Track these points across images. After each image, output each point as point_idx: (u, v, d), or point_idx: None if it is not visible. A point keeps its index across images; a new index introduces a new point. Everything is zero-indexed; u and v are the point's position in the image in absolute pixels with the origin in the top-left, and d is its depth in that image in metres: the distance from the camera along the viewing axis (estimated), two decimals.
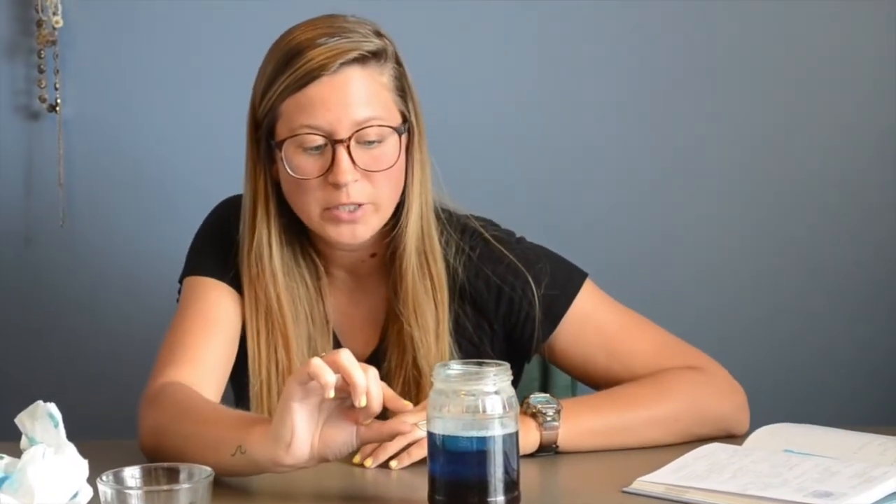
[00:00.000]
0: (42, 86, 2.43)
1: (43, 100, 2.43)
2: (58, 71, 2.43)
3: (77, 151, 2.44)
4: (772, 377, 2.52)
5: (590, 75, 2.51)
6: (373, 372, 1.47)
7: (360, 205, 1.74)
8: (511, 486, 1.43)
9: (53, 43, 2.42)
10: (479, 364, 1.45)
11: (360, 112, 1.73)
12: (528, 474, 1.51)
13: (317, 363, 1.45)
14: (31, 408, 1.46)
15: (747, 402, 1.81)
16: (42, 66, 2.43)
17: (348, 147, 1.72)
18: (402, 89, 1.79)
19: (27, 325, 2.47)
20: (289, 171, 1.74)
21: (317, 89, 1.72)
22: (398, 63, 1.79)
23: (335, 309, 1.88)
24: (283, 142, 1.75)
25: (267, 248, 1.81)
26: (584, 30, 2.50)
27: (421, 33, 2.44)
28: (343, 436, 1.50)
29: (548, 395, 1.72)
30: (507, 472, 1.42)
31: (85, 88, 2.44)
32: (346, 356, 1.46)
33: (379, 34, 1.79)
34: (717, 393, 1.78)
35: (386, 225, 1.81)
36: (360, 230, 1.76)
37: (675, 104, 2.52)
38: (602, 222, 2.51)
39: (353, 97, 1.73)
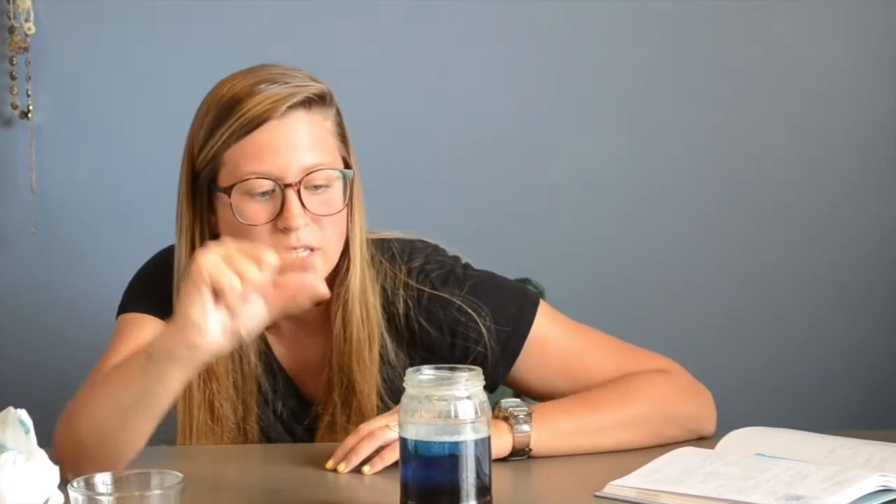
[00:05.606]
0: (14, 92, 2.43)
1: (15, 106, 2.42)
2: (30, 77, 2.42)
3: (49, 158, 2.44)
4: (744, 381, 2.53)
5: (584, 85, 2.52)
6: (267, 262, 1.50)
7: (310, 249, 1.71)
8: (483, 490, 1.43)
9: (25, 49, 2.41)
10: (452, 369, 1.45)
11: (308, 157, 1.71)
12: (501, 479, 1.51)
13: (218, 267, 1.47)
14: (1, 414, 1.46)
15: (713, 402, 1.82)
16: (14, 73, 2.42)
17: (298, 191, 1.70)
18: (343, 135, 1.78)
19: None
20: (238, 218, 1.71)
21: (264, 135, 1.69)
22: (337, 108, 1.78)
23: (285, 356, 1.86)
24: (230, 189, 1.71)
25: None
26: (567, 38, 2.51)
27: (412, 35, 2.45)
28: (251, 307, 1.52)
29: (518, 399, 1.73)
30: (479, 476, 1.42)
31: (57, 95, 2.44)
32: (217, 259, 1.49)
33: (315, 79, 1.76)
34: (682, 394, 1.80)
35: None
36: None
37: (664, 112, 2.52)
38: (598, 230, 2.52)
39: (301, 142, 1.71)
